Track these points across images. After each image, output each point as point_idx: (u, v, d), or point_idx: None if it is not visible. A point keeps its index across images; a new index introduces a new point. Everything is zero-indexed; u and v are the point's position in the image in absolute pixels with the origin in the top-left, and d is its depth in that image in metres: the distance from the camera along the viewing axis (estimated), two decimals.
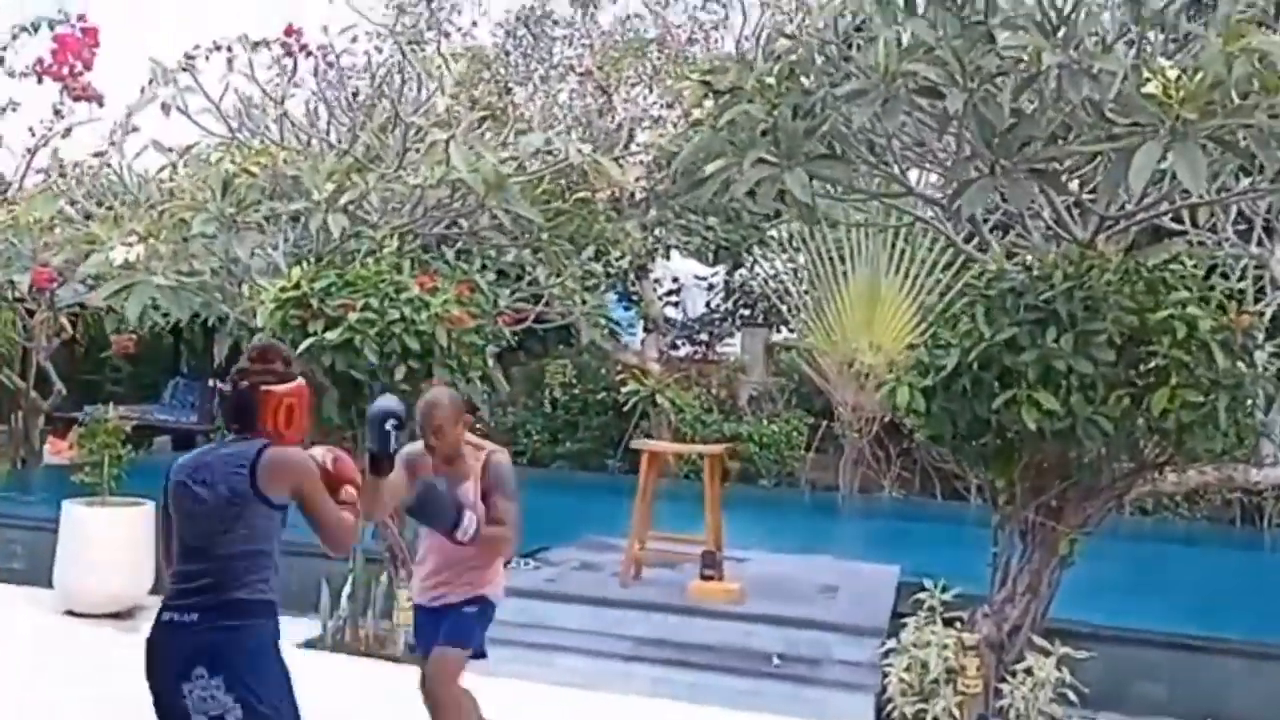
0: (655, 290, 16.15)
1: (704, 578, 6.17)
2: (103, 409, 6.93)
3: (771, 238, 14.53)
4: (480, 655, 4.17)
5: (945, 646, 5.40)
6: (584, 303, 8.54)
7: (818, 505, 12.50)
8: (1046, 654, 5.32)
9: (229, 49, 7.78)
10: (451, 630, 4.03)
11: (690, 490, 12.22)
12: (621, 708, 5.36)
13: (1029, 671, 5.29)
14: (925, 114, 5.01)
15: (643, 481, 6.55)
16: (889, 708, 5.41)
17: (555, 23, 14.12)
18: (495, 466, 3.96)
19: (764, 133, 4.97)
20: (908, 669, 5.42)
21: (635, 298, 15.60)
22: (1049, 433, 5.05)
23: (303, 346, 5.53)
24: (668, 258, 14.98)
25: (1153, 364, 4.96)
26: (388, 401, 3.54)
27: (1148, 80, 4.00)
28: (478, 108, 10.49)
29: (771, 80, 5.15)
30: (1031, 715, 5.23)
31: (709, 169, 5.13)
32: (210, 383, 15.20)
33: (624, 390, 13.32)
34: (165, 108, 6.96)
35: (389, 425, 3.37)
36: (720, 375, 14.51)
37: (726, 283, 16.03)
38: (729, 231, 13.20)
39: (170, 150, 7.03)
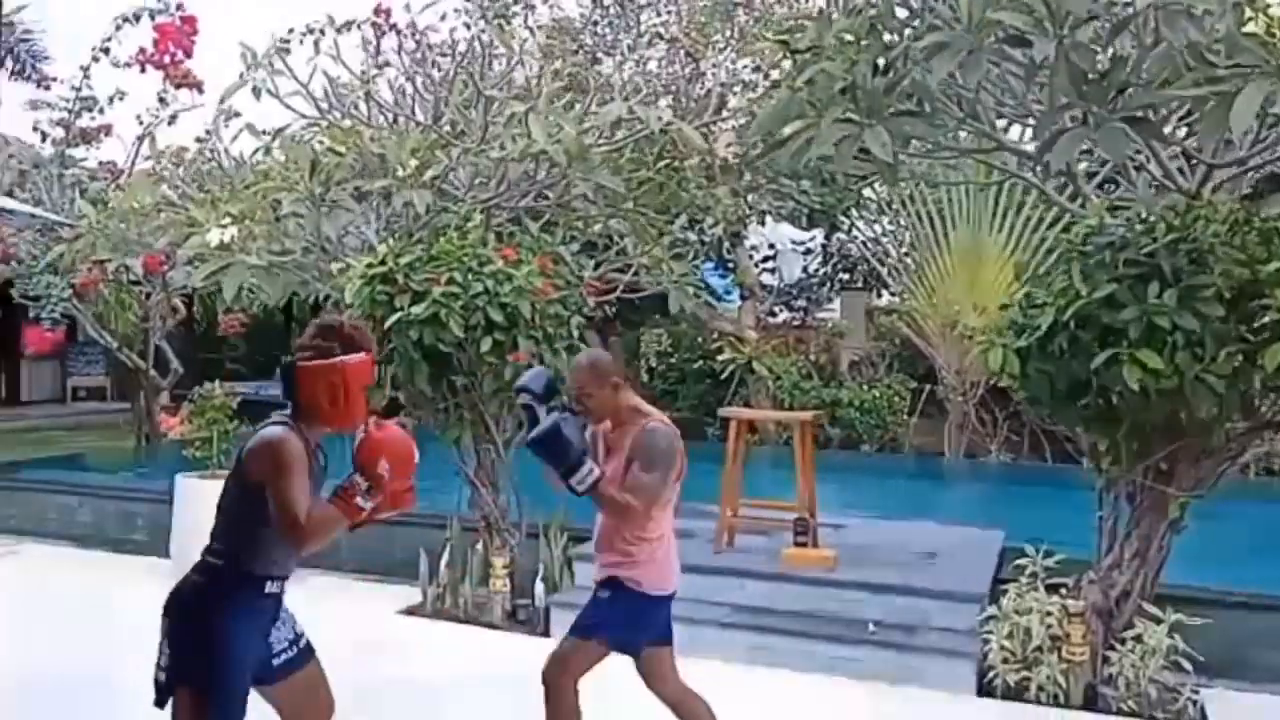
0: (751, 257, 16.00)
1: (797, 544, 6.11)
2: (210, 386, 7.17)
3: (869, 199, 14.26)
4: (625, 649, 3.72)
5: (1049, 613, 5.24)
6: (672, 271, 8.48)
7: (921, 470, 12.27)
8: (1157, 621, 5.12)
9: (320, 31, 7.94)
10: (581, 614, 3.79)
11: (790, 457, 12.14)
12: (720, 674, 5.32)
13: (1139, 639, 5.10)
14: (1013, 64, 4.82)
15: (731, 449, 6.51)
16: (990, 675, 5.28)
17: None
18: (642, 434, 3.61)
19: (843, 91, 4.83)
20: (1009, 636, 5.28)
21: (731, 265, 15.48)
22: (1154, 392, 4.81)
23: (390, 321, 5.63)
24: (762, 224, 14.81)
25: (1266, 318, 4.68)
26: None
27: (1249, 19, 3.76)
28: (561, 79, 10.51)
29: (850, 37, 5.02)
30: (1142, 683, 5.05)
31: (787, 130, 5.01)
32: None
33: (720, 358, 13.27)
34: (256, 92, 7.12)
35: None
36: (818, 341, 14.32)
37: (824, 247, 15.77)
38: (823, 195, 12.96)
39: (263, 133, 7.17)
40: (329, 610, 6.31)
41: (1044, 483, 10.90)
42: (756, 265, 15.93)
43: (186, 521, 6.81)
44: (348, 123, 7.38)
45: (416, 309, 5.63)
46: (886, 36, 5.01)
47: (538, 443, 3.53)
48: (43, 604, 6.51)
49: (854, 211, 14.16)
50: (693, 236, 14.71)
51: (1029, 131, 6.79)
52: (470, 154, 6.85)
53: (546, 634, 5.82)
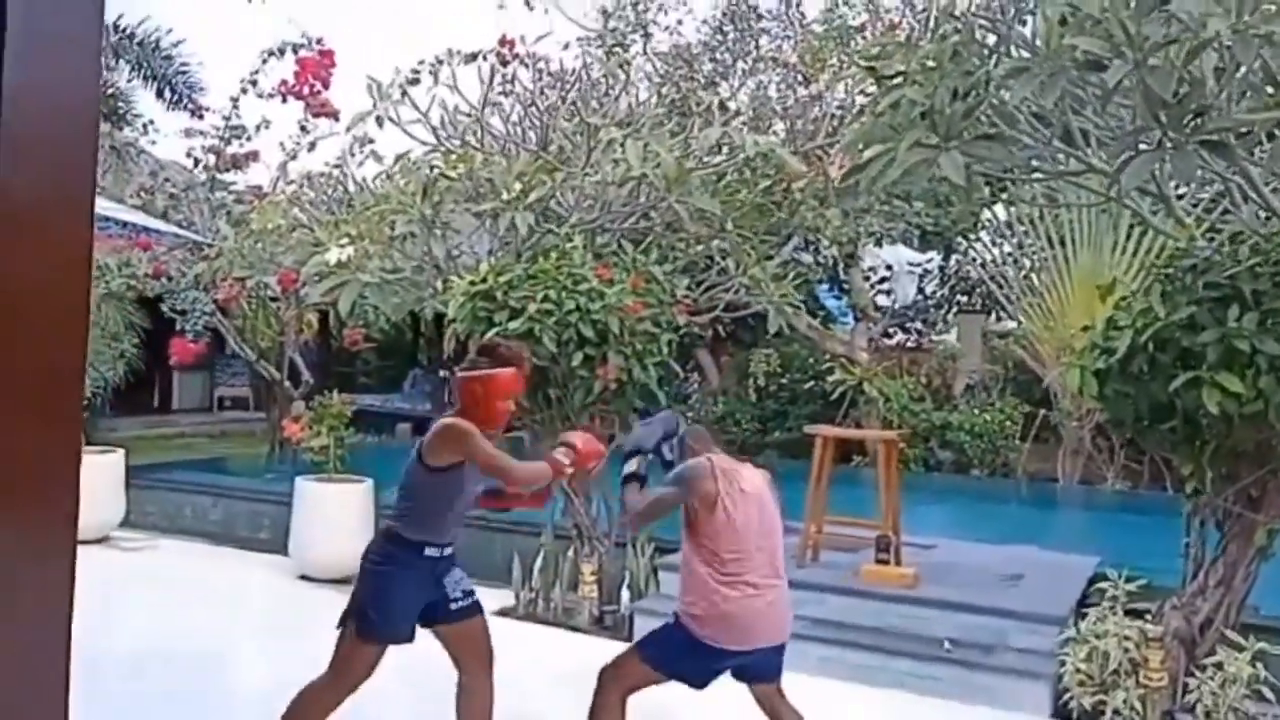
0: (867, 279, 15.99)
1: (878, 561, 6.19)
2: (330, 396, 7.67)
3: (988, 221, 14.11)
4: (680, 679, 3.85)
5: (1127, 638, 5.21)
6: (773, 291, 8.63)
7: (1031, 496, 12.06)
8: (1240, 649, 5.04)
9: (441, 63, 8.44)
10: (652, 630, 4.07)
11: (908, 478, 12.10)
12: (792, 685, 5.46)
13: (1219, 666, 5.03)
14: (1093, 88, 4.86)
15: (816, 466, 6.63)
16: (1066, 698, 5.27)
17: (760, 16, 14.21)
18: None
19: (923, 115, 4.97)
20: (1086, 659, 5.26)
21: (846, 286, 15.51)
22: (1237, 417, 4.78)
23: (487, 336, 5.97)
24: (880, 246, 14.81)
25: None
26: (632, 437, 4.14)
27: None
28: (676, 104, 10.81)
29: (933, 63, 5.15)
30: (1222, 711, 4.97)
31: (866, 154, 5.17)
32: (441, 374, 16.37)
33: (830, 379, 13.30)
34: (379, 121, 7.63)
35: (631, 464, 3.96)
36: (932, 364, 14.22)
37: (942, 269, 15.66)
38: (937, 217, 12.91)
39: (382, 159, 7.67)
40: None
41: (1158, 512, 10.57)
42: (872, 287, 15.91)
43: (303, 521, 7.31)
44: (461, 149, 7.84)
45: (513, 324, 5.96)
46: (968, 63, 5.12)
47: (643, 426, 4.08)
48: (175, 592, 7.08)
49: (974, 233, 14.05)
50: (807, 258, 14.85)
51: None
52: (574, 179, 7.19)
53: (630, 639, 6.03)
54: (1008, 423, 12.58)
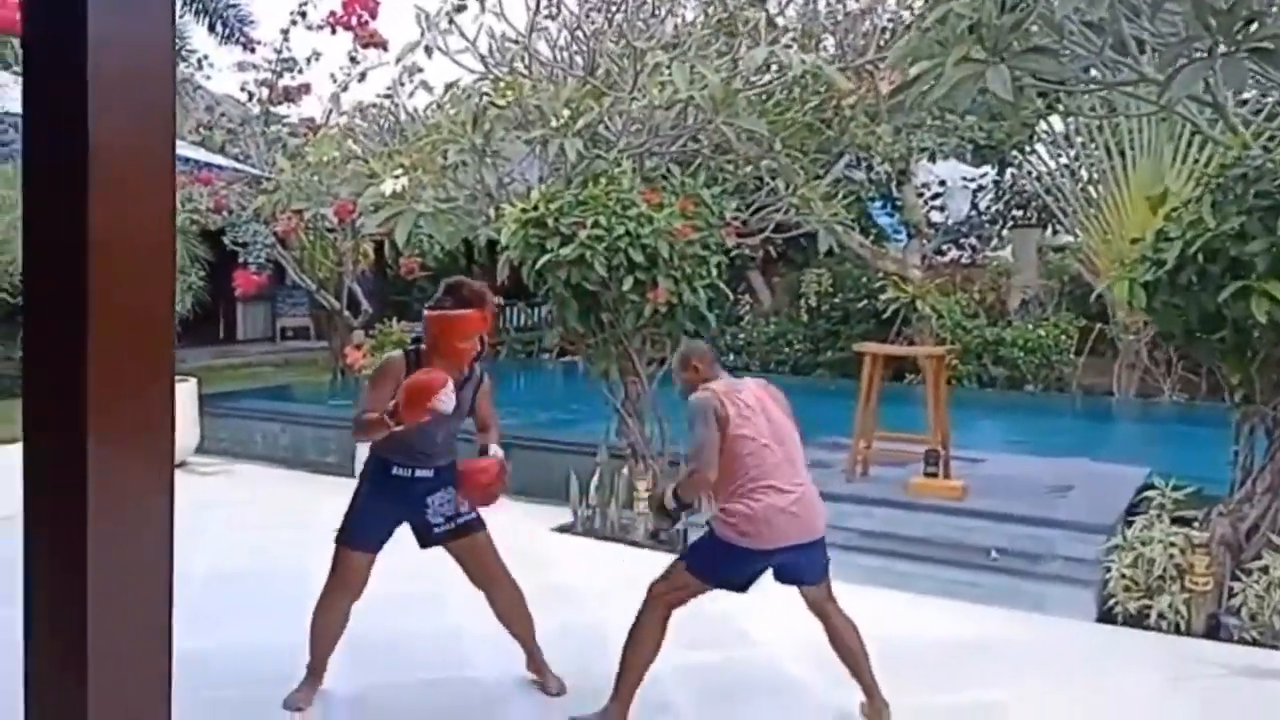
0: (921, 195, 15.82)
1: (926, 475, 6.31)
2: (389, 324, 7.89)
3: (1045, 133, 13.86)
4: (720, 584, 3.99)
5: (1172, 544, 5.31)
6: (822, 211, 8.65)
7: (1086, 410, 12.05)
8: None
9: None
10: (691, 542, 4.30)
11: (954, 394, 12.14)
12: (839, 593, 5.64)
13: (1265, 570, 5.12)
14: None
15: (865, 383, 6.72)
16: (1111, 603, 5.40)
17: None
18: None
19: (970, 29, 4.95)
20: (1132, 565, 5.38)
21: (898, 203, 15.38)
22: None
23: (540, 262, 6.12)
24: (933, 161, 14.63)
25: None
26: None
27: None
28: (723, 23, 10.71)
29: None
30: (1266, 614, 5.07)
31: (913, 71, 5.17)
32: (497, 301, 16.63)
33: (883, 297, 13.30)
34: (428, 50, 7.72)
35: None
36: (985, 280, 14.13)
37: (996, 183, 15.44)
38: (991, 130, 12.72)
39: (432, 89, 7.76)
40: (491, 525, 6.99)
41: (1215, 423, 10.51)
42: (925, 203, 15.76)
43: (365, 446, 7.59)
44: (510, 76, 7.91)
45: (564, 250, 6.10)
46: None
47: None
48: (249, 513, 7.43)
49: (1029, 146, 13.82)
50: (860, 175, 14.73)
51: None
52: (621, 103, 7.24)
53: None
54: (1062, 337, 12.52)
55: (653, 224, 6.15)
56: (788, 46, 10.19)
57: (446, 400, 3.79)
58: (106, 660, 1.47)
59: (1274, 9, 4.33)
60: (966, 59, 4.88)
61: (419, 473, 4.08)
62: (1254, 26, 4.33)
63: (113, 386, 1.42)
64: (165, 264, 1.57)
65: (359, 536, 4.12)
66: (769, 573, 4.03)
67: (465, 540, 4.20)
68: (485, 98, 7.01)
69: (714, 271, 6.60)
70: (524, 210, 6.29)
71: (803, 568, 4.03)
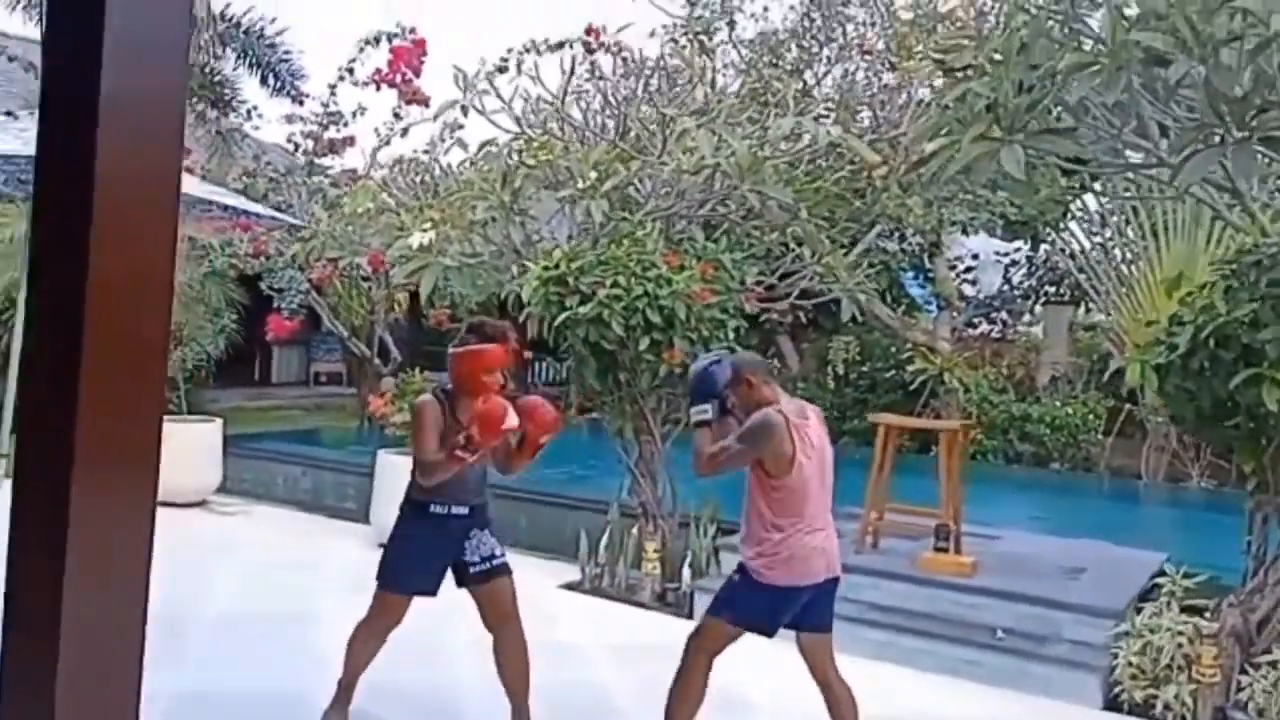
0: (954, 268, 15.84)
1: (936, 549, 6.27)
2: (412, 373, 8.00)
3: (1079, 210, 13.87)
4: (753, 629, 3.99)
5: (1180, 632, 5.23)
6: (847, 280, 8.70)
7: (1112, 492, 11.89)
8: None
9: (533, 51, 8.70)
10: (718, 592, 4.21)
11: (975, 470, 12.04)
12: (845, 667, 5.58)
13: (1274, 665, 5.02)
14: (1159, 83, 4.86)
15: (879, 455, 6.71)
16: (1117, 690, 5.31)
17: (846, 1, 14.15)
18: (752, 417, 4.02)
19: (988, 108, 5.02)
20: (1139, 653, 5.29)
21: (930, 275, 15.40)
22: None
23: (559, 319, 6.21)
24: (966, 234, 14.67)
25: None
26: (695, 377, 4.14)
27: None
28: (757, 93, 10.89)
29: (1000, 56, 5.19)
30: (1273, 710, 4.96)
31: (929, 147, 5.25)
32: (525, 355, 16.78)
33: (910, 368, 13.25)
34: (464, 110, 7.90)
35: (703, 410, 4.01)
36: (1015, 355, 14.07)
37: (1030, 259, 15.44)
38: (1022, 205, 12.74)
39: (467, 146, 7.94)
40: None
41: (1241, 511, 10.38)
42: (957, 276, 15.77)
43: (384, 492, 7.66)
44: (543, 137, 8.08)
45: (583, 309, 6.18)
46: (1035, 57, 5.15)
47: (694, 375, 4.13)
48: (262, 555, 7.49)
49: (1062, 223, 13.82)
50: (892, 246, 14.79)
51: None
52: (649, 167, 7.37)
53: (690, 616, 6.23)
54: (1090, 416, 12.42)
55: (671, 286, 6.23)
56: (821, 117, 10.35)
57: (514, 419, 3.94)
58: (76, 687, 1.50)
59: None
60: (983, 137, 4.94)
61: (455, 509, 4.18)
62: (1267, 115, 4.37)
63: (103, 417, 1.46)
64: (162, 303, 1.62)
65: (399, 580, 4.23)
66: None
67: (493, 582, 4.27)
68: (517, 157, 7.16)
69: (731, 335, 6.65)
70: (545, 268, 6.40)
71: (817, 610, 4.02)
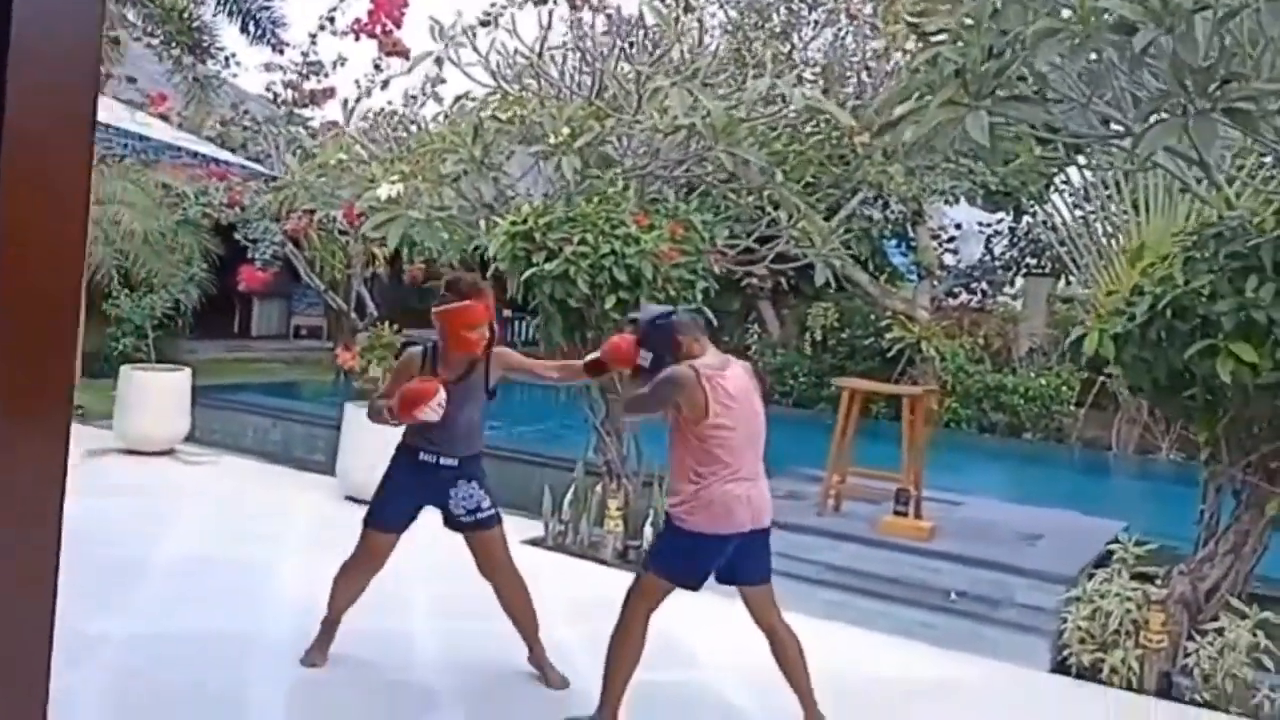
0: (937, 237, 15.83)
1: (896, 514, 6.31)
2: (381, 327, 7.98)
3: (1066, 183, 13.85)
4: (680, 582, 4.03)
5: (1129, 599, 5.29)
6: (823, 244, 8.67)
7: (1083, 463, 11.98)
8: (1243, 616, 5.09)
9: (518, 5, 8.62)
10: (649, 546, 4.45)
11: (950, 437, 12.11)
12: (799, 626, 5.62)
13: (1220, 632, 5.09)
14: (1124, 52, 4.84)
15: (842, 419, 6.74)
16: (1065, 654, 5.38)
17: None
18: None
19: (956, 74, 4.99)
20: (1089, 618, 5.35)
21: (913, 243, 15.39)
22: (1253, 387, 4.79)
23: (524, 275, 6.19)
24: (950, 204, 14.65)
25: None
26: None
27: None
28: (739, 54, 10.81)
29: (971, 20, 5.16)
30: (1218, 677, 5.03)
31: (897, 111, 5.22)
32: (504, 313, 16.75)
33: (888, 336, 13.29)
34: (439, 62, 7.82)
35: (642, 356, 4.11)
36: (992, 325, 14.10)
37: (1012, 230, 15.43)
38: (1004, 175, 12.72)
39: (442, 100, 7.86)
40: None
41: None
42: (940, 245, 15.77)
43: (351, 445, 7.68)
44: (520, 92, 8.00)
45: (549, 265, 6.16)
46: (1006, 22, 5.11)
47: (650, 323, 4.16)
48: (226, 505, 7.50)
49: (1044, 195, 13.80)
50: (876, 214, 14.77)
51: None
52: (624, 125, 7.31)
53: None
54: (1063, 388, 12.47)
55: (639, 245, 6.21)
56: (807, 81, 10.26)
57: (432, 412, 4.15)
58: None
59: (1250, 69, 4.34)
60: (950, 102, 4.92)
61: (444, 460, 4.41)
62: (1230, 85, 4.35)
63: (10, 371, 1.45)
64: (74, 255, 1.61)
65: (384, 518, 4.49)
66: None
67: (483, 534, 4.51)
68: (489, 111, 7.10)
69: (699, 296, 6.64)
70: (513, 223, 6.37)
71: (750, 562, 4.06)
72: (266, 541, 6.38)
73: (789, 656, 4.15)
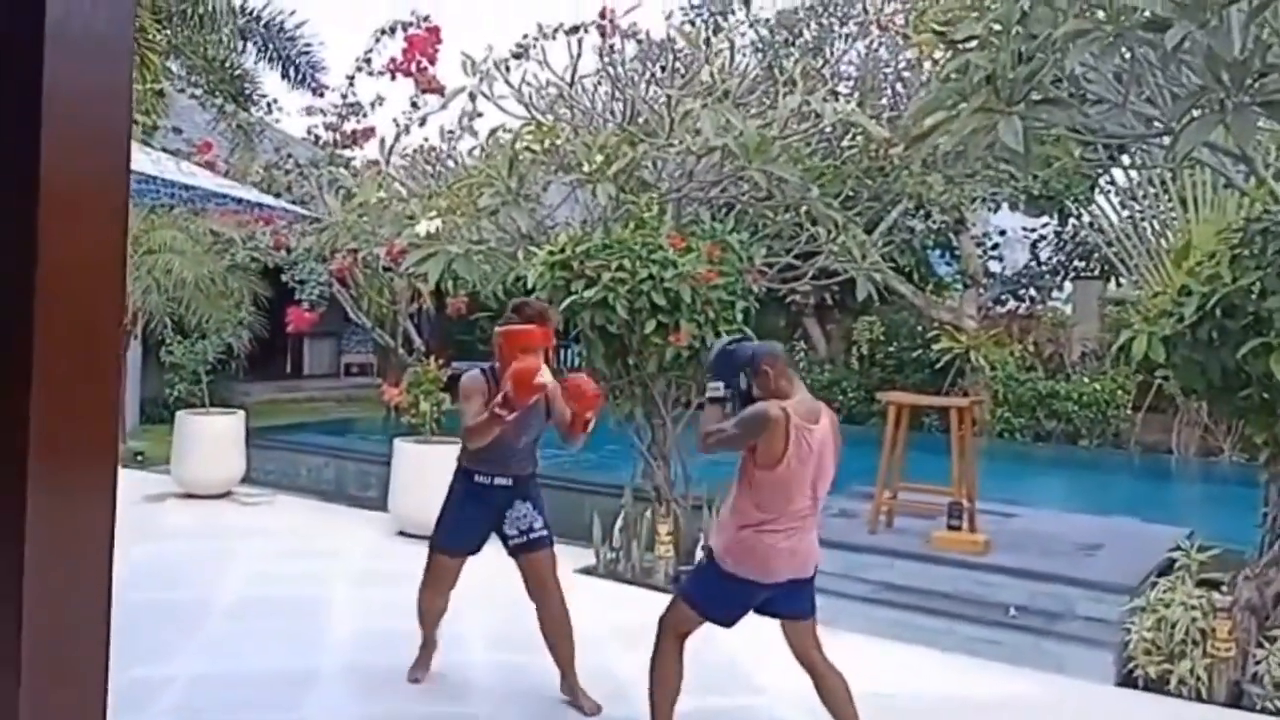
0: (981, 245, 15.66)
1: (949, 528, 6.21)
2: (428, 361, 8.05)
3: (1111, 184, 13.65)
4: (708, 616, 3.99)
5: (1194, 607, 5.15)
6: (863, 258, 8.61)
7: (1144, 468, 11.73)
8: None
9: (545, 36, 8.71)
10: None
11: (1005, 448, 11.93)
12: (860, 647, 5.53)
13: None
14: (1160, 49, 4.77)
15: (891, 433, 6.67)
16: (1130, 666, 5.25)
17: None
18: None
19: (987, 80, 4.95)
20: (1154, 628, 5.22)
21: (956, 252, 15.25)
22: None
23: (564, 304, 6.21)
24: (994, 211, 14.50)
25: None
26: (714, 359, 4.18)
27: None
28: (771, 72, 10.80)
29: (1000, 26, 5.12)
30: None
31: (928, 121, 5.19)
32: None
33: (936, 347, 13.14)
34: (472, 96, 7.92)
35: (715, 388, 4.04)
36: (1042, 331, 13.90)
37: (1058, 234, 15.23)
38: (1047, 179, 12.56)
39: (477, 134, 7.95)
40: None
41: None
42: (984, 253, 15.59)
43: (401, 480, 7.73)
44: (553, 122, 8.07)
45: (588, 292, 6.18)
46: (1035, 26, 5.07)
47: (713, 353, 4.19)
48: (283, 544, 7.57)
49: (1089, 197, 13.61)
50: (918, 224, 14.65)
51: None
52: (657, 149, 7.34)
53: None
54: (1119, 392, 12.24)
55: (677, 268, 6.21)
56: (841, 95, 10.23)
57: (546, 375, 4.25)
58: (42, 679, 1.50)
59: None
60: (982, 109, 4.88)
61: (498, 480, 4.52)
62: (1267, 78, 4.27)
63: (57, 410, 1.47)
64: (116, 288, 1.63)
65: (445, 541, 4.64)
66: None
67: (531, 554, 4.57)
68: (523, 143, 7.16)
69: (739, 316, 6.62)
70: (551, 253, 6.41)
71: (789, 601, 3.96)
72: (321, 580, 6.44)
73: (835, 696, 3.98)
